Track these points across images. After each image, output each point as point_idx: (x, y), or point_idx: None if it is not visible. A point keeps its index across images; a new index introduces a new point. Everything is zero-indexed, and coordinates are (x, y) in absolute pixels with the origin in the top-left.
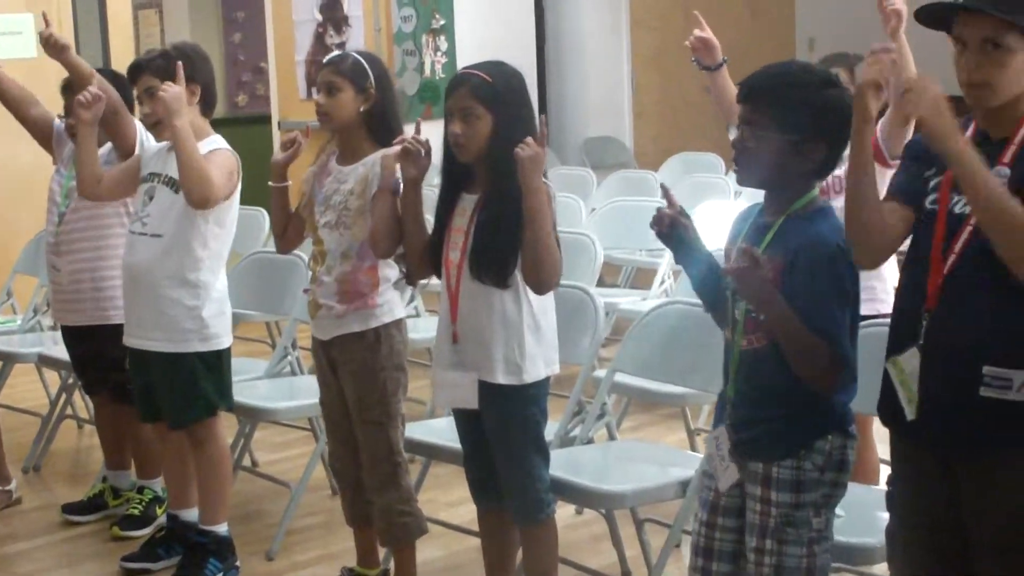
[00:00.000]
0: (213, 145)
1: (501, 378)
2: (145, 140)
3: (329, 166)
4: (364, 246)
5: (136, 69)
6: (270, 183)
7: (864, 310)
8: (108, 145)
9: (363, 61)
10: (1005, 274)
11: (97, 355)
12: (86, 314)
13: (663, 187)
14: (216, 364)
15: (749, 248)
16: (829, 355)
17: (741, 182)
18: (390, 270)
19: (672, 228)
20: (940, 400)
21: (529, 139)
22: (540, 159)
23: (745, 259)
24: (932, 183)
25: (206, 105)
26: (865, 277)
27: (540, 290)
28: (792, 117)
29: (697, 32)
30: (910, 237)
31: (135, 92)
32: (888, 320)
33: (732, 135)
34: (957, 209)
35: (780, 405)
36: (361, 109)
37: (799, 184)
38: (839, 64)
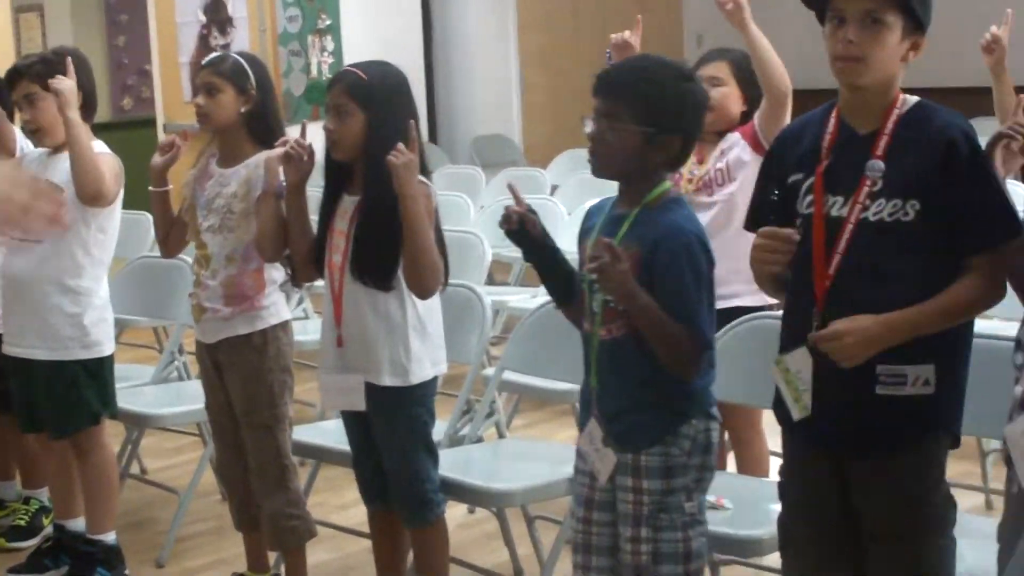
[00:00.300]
0: (96, 150)
1: (387, 380)
2: (24, 147)
3: (210, 169)
4: (249, 248)
5: (15, 74)
6: (150, 188)
7: (751, 301)
8: None
9: (243, 62)
10: (890, 272)
11: None
12: None
13: (510, 186)
14: (99, 371)
15: (607, 242)
16: (691, 341)
17: (597, 174)
18: (276, 272)
19: (521, 226)
20: (835, 400)
21: (400, 145)
22: (414, 165)
23: (604, 253)
24: (805, 186)
25: (87, 111)
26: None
27: (423, 295)
28: (648, 110)
29: (627, 33)
30: None
31: (13, 98)
32: (773, 311)
33: (588, 128)
34: (834, 212)
35: (643, 393)
36: (242, 110)
37: (654, 176)
38: (722, 58)
